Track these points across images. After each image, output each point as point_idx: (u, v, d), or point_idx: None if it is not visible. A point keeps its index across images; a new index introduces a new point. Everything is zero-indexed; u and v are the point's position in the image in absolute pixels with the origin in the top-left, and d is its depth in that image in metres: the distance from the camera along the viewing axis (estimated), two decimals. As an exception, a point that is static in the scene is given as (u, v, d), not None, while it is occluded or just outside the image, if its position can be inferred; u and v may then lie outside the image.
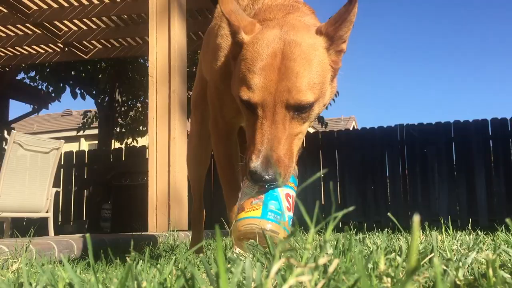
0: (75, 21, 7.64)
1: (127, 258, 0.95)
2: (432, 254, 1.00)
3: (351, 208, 1.02)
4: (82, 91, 11.53)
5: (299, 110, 1.40)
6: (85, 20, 7.59)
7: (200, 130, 2.54)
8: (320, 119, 10.03)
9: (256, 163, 1.34)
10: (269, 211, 1.40)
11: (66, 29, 7.97)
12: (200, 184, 2.69)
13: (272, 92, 1.37)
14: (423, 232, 2.02)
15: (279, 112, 1.38)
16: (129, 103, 12.19)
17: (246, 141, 2.18)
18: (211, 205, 8.35)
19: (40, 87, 11.51)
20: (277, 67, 1.38)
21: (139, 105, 12.22)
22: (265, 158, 1.34)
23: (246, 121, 1.49)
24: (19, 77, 11.10)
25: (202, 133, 2.53)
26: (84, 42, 8.35)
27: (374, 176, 8.56)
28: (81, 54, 8.70)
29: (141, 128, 12.07)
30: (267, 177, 1.33)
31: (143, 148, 9.49)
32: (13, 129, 9.64)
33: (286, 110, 1.39)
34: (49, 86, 11.42)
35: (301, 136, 1.49)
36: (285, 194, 1.43)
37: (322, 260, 0.68)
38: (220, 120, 1.95)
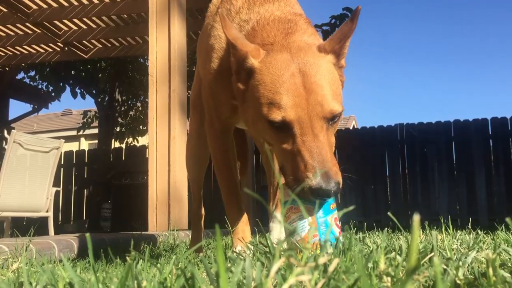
0: (75, 20, 7.63)
1: (127, 258, 0.95)
2: (432, 254, 1.00)
3: (351, 208, 1.02)
4: (82, 90, 11.53)
5: (332, 120, 1.43)
6: (85, 19, 7.59)
7: (199, 130, 2.54)
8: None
9: (317, 179, 1.33)
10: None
11: (66, 28, 7.97)
12: (199, 184, 2.69)
13: (304, 108, 1.39)
14: (423, 231, 2.02)
15: (316, 126, 1.40)
16: (129, 102, 12.19)
17: (242, 142, 2.18)
18: (211, 205, 8.34)
19: (40, 86, 11.51)
20: (301, 85, 1.41)
21: (139, 104, 12.22)
22: (324, 172, 1.33)
23: (279, 144, 1.46)
24: (19, 76, 11.10)
25: (201, 133, 2.53)
26: (84, 41, 8.35)
27: (374, 176, 8.56)
28: (81, 54, 8.70)
29: (141, 127, 12.07)
30: (333, 189, 1.33)
31: (143, 148, 9.49)
32: (13, 128, 9.64)
33: (323, 122, 1.41)
34: (49, 86, 11.41)
35: (334, 146, 1.52)
36: (334, 219, 1.43)
37: (322, 260, 0.68)
38: (215, 120, 1.96)
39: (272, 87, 1.43)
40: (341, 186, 1.37)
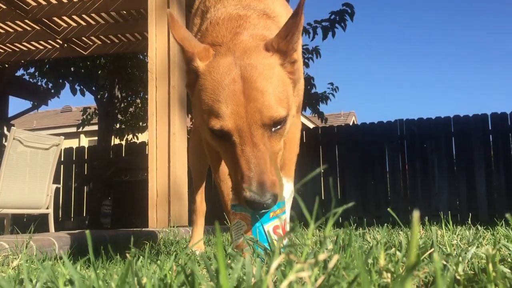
0: (74, 17, 7.62)
1: (127, 254, 0.95)
2: (432, 249, 1.00)
3: (351, 204, 1.02)
4: (82, 87, 11.52)
5: (275, 126, 1.39)
6: (84, 16, 7.57)
7: None
8: (320, 115, 10.02)
9: (251, 191, 1.30)
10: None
11: (65, 25, 7.96)
12: (202, 178, 2.68)
13: (243, 116, 1.35)
14: (423, 227, 2.02)
15: (256, 134, 1.36)
16: (129, 99, 12.18)
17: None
18: (212, 201, 8.35)
19: (39, 83, 11.50)
20: (240, 92, 1.37)
21: (138, 101, 12.20)
22: (259, 184, 1.30)
23: (223, 153, 1.46)
24: (18, 73, 11.08)
25: None
26: (83, 38, 8.34)
27: (374, 171, 8.56)
28: (80, 50, 8.69)
29: (141, 124, 12.06)
30: (267, 202, 1.29)
31: (143, 144, 9.49)
32: (13, 125, 9.64)
33: (263, 130, 1.37)
34: (49, 83, 11.40)
35: (281, 153, 1.49)
36: (274, 227, 1.41)
37: (322, 256, 0.68)
38: (197, 129, 2.00)
39: (212, 94, 1.40)
40: (278, 197, 1.33)
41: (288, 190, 1.74)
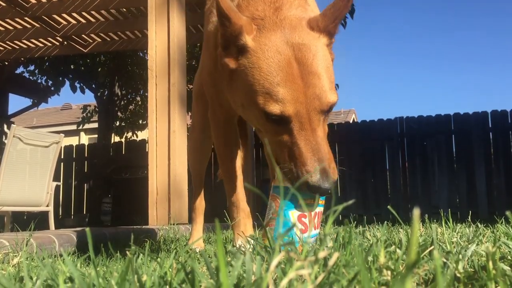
0: (74, 14, 7.61)
1: (128, 252, 0.95)
2: (432, 247, 1.00)
3: (351, 201, 1.02)
4: (82, 85, 11.51)
5: (328, 112, 1.39)
6: (84, 13, 7.56)
7: (202, 121, 2.51)
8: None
9: (316, 176, 1.31)
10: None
11: (65, 22, 7.95)
12: (201, 176, 2.68)
13: (303, 102, 1.33)
14: (423, 225, 2.02)
15: (314, 120, 1.36)
16: (129, 96, 12.17)
17: (242, 134, 2.14)
18: (212, 198, 8.36)
19: (39, 81, 11.49)
20: (298, 75, 1.34)
21: (138, 98, 12.20)
22: (322, 170, 1.31)
23: (274, 135, 1.41)
24: (18, 71, 11.07)
25: (205, 125, 2.49)
26: (83, 35, 8.33)
27: (374, 169, 8.57)
28: (80, 48, 8.68)
29: (140, 121, 12.06)
30: (329, 187, 1.32)
31: (143, 142, 9.49)
32: (13, 123, 9.63)
33: (319, 116, 1.37)
34: (49, 80, 11.40)
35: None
36: (299, 215, 1.39)
37: (322, 254, 0.68)
38: (217, 109, 1.89)
39: (269, 76, 1.35)
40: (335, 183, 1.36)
41: None
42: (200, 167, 2.65)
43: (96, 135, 12.45)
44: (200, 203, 2.70)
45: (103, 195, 9.24)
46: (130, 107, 12.22)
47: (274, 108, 1.33)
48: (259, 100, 1.35)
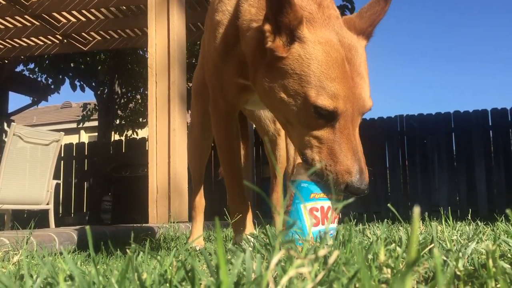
0: (74, 12, 7.60)
1: (128, 250, 0.95)
2: (432, 245, 1.00)
3: (351, 199, 1.02)
4: (82, 83, 11.50)
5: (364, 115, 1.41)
6: (83, 11, 7.55)
7: (201, 120, 2.50)
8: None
9: (356, 177, 1.31)
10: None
11: (65, 20, 7.94)
12: (201, 174, 2.67)
13: (351, 101, 1.33)
14: (423, 223, 2.02)
15: (356, 120, 1.36)
16: (129, 94, 12.16)
17: (242, 132, 2.10)
18: (212, 196, 8.36)
19: (39, 79, 11.48)
20: (349, 75, 1.34)
21: (138, 96, 12.19)
22: (360, 171, 1.32)
23: (311, 129, 1.37)
24: (18, 69, 11.07)
25: (204, 123, 2.49)
26: (83, 33, 8.32)
27: (374, 167, 8.56)
28: (80, 46, 8.67)
29: (141, 120, 12.05)
30: (365, 189, 1.33)
31: (143, 140, 9.49)
32: (13, 121, 9.64)
33: (359, 117, 1.38)
34: (49, 78, 11.38)
35: None
36: (310, 208, 1.38)
37: (322, 252, 0.68)
38: (220, 101, 1.85)
39: (327, 69, 1.32)
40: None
41: None
42: (199, 165, 2.65)
43: (96, 133, 12.44)
44: (200, 201, 2.70)
45: (103, 193, 9.24)
46: (130, 105, 12.21)
47: (327, 103, 1.31)
48: (311, 92, 1.33)
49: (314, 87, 1.32)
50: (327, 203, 1.40)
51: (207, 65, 1.88)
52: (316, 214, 1.37)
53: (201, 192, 2.69)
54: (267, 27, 1.40)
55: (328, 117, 1.33)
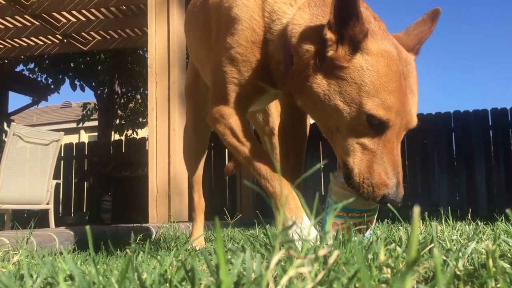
0: (74, 12, 7.60)
1: (128, 250, 0.95)
2: (432, 245, 1.00)
3: (351, 199, 1.02)
4: (82, 82, 11.51)
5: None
6: (83, 11, 7.55)
7: (195, 121, 2.48)
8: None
9: (393, 190, 1.38)
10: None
11: (64, 20, 7.94)
12: (199, 175, 2.65)
13: (402, 115, 1.37)
14: (423, 222, 2.02)
15: (401, 135, 1.42)
16: (129, 94, 12.17)
17: None
18: (211, 196, 8.36)
19: (39, 79, 11.49)
20: (404, 90, 1.38)
21: (138, 96, 12.19)
22: (398, 185, 1.38)
23: (356, 136, 1.40)
24: (18, 69, 11.08)
25: (197, 124, 2.48)
26: (83, 33, 8.32)
27: (374, 167, 8.55)
28: (80, 46, 8.67)
29: (140, 119, 12.05)
30: (399, 202, 1.39)
31: (143, 140, 9.49)
32: (13, 121, 9.64)
33: (404, 132, 1.43)
34: (48, 78, 11.39)
35: None
36: (333, 223, 1.48)
37: (322, 252, 0.68)
38: (232, 102, 1.67)
39: (387, 82, 1.36)
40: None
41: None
42: (195, 166, 2.62)
43: (96, 133, 12.44)
44: (199, 202, 2.66)
45: (103, 193, 9.24)
46: (130, 105, 12.21)
47: (381, 113, 1.34)
48: (367, 101, 1.36)
49: (371, 97, 1.36)
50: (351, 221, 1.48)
51: (218, 64, 1.71)
52: (337, 228, 1.40)
53: (200, 193, 2.66)
54: (330, 36, 1.41)
55: (378, 128, 1.37)
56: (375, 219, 1.51)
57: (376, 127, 1.37)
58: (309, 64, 1.47)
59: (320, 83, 1.45)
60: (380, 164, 1.38)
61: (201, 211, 2.68)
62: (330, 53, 1.41)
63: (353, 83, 1.39)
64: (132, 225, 3.99)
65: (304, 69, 1.49)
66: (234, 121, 1.68)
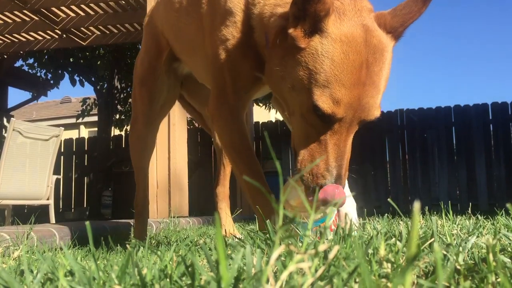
0: (73, 7, 7.57)
1: (128, 245, 0.95)
2: (432, 239, 1.00)
3: (351, 194, 1.02)
4: (81, 78, 11.49)
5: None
6: (82, 6, 7.52)
7: (148, 111, 2.31)
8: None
9: (330, 182, 1.32)
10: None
11: (63, 15, 7.91)
12: (146, 172, 2.53)
13: (354, 108, 1.29)
14: (423, 217, 2.02)
15: (353, 128, 1.34)
16: (128, 89, 12.14)
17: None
18: (211, 191, 8.36)
19: (38, 74, 11.46)
20: (362, 81, 1.27)
21: (138, 91, 12.16)
22: (337, 175, 1.33)
23: (307, 124, 1.36)
24: (17, 64, 11.05)
25: (151, 114, 2.32)
26: (82, 28, 8.30)
27: (374, 161, 8.57)
28: (79, 41, 8.65)
29: (140, 115, 12.03)
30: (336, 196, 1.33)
31: (143, 135, 9.47)
32: (13, 116, 9.63)
33: (359, 125, 1.35)
34: (48, 73, 11.37)
35: None
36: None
37: (322, 247, 0.68)
38: (231, 96, 1.66)
39: (339, 73, 1.26)
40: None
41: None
42: (143, 162, 2.50)
43: (96, 129, 12.43)
44: (145, 200, 2.56)
45: (103, 188, 9.25)
46: (130, 100, 12.20)
47: (327, 106, 1.27)
48: (316, 90, 1.28)
49: (320, 86, 1.28)
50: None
51: (215, 57, 1.67)
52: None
53: (146, 191, 2.53)
54: (293, 11, 1.32)
55: (324, 118, 1.30)
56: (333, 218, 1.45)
57: (322, 118, 1.30)
58: (273, 44, 1.42)
59: (278, 64, 1.39)
60: (322, 155, 1.33)
61: (146, 209, 2.60)
62: (290, 30, 1.33)
63: (306, 67, 1.30)
64: (132, 220, 3.99)
65: (269, 50, 1.44)
66: (233, 122, 1.66)
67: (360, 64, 1.27)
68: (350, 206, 1.60)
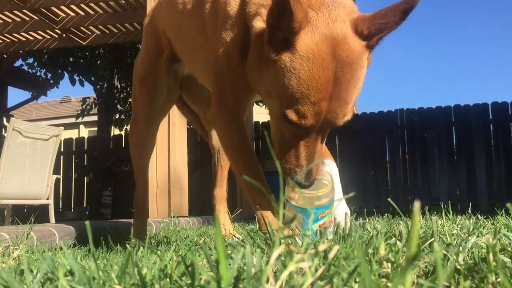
0: (73, 6, 7.57)
1: (128, 245, 0.95)
2: (432, 239, 1.00)
3: (351, 194, 1.02)
4: (81, 77, 11.48)
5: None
6: (82, 5, 7.52)
7: (148, 110, 2.32)
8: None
9: (301, 175, 1.43)
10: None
11: (63, 15, 7.91)
12: (146, 172, 2.53)
13: (322, 118, 1.35)
14: (423, 217, 2.02)
15: (323, 133, 1.44)
16: (128, 89, 12.14)
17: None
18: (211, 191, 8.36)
19: (38, 73, 11.46)
20: (330, 95, 1.32)
21: (138, 91, 12.15)
22: (308, 172, 1.43)
23: (281, 129, 1.46)
24: (17, 63, 11.05)
25: (151, 113, 2.33)
26: (82, 28, 8.29)
27: (374, 161, 8.57)
28: (79, 40, 8.64)
29: (140, 114, 12.02)
30: (309, 186, 1.45)
31: (143, 135, 9.48)
32: (12, 116, 9.63)
33: (328, 130, 1.44)
34: (48, 73, 11.37)
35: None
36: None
37: (322, 246, 0.68)
38: (230, 97, 1.68)
39: (306, 90, 1.30)
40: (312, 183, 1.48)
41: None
42: (144, 163, 2.50)
43: (95, 128, 12.43)
44: (144, 199, 2.54)
45: (103, 188, 9.25)
46: (130, 99, 12.19)
47: (294, 118, 1.35)
48: (284, 102, 1.36)
49: (289, 99, 1.34)
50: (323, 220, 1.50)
51: (216, 58, 1.68)
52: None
53: (146, 191, 2.53)
54: (268, 19, 1.33)
55: (293, 125, 1.38)
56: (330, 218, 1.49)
57: (292, 124, 1.38)
58: (255, 46, 1.46)
59: (255, 68, 1.46)
60: (295, 154, 1.43)
61: (146, 209, 2.59)
62: (265, 40, 1.37)
63: (276, 79, 1.35)
64: (132, 220, 3.99)
65: (251, 51, 1.49)
66: (234, 123, 1.69)
67: (327, 80, 1.30)
68: (340, 210, 1.63)
